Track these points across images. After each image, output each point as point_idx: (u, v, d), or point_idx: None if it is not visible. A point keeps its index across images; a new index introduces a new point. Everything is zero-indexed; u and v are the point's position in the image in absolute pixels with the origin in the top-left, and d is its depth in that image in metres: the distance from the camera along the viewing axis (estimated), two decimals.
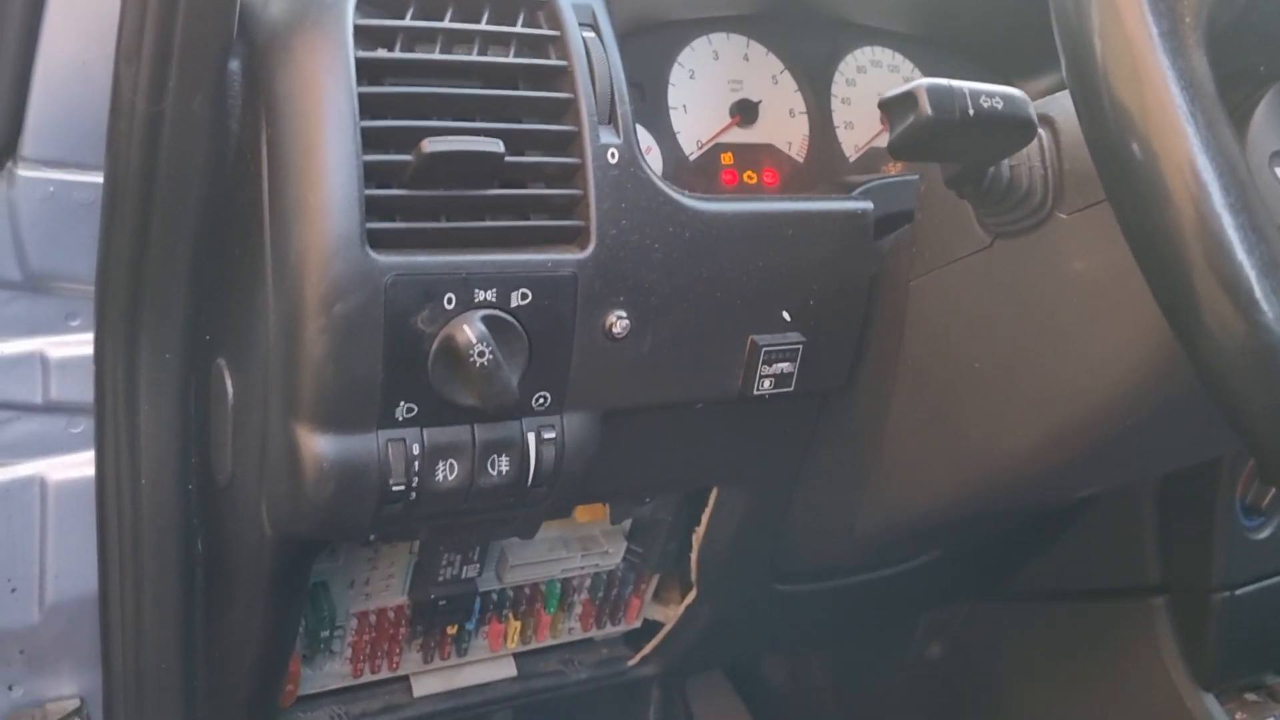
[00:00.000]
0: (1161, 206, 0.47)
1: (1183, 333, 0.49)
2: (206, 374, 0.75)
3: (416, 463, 0.65)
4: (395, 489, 0.65)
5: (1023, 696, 1.26)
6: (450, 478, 0.67)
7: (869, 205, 0.79)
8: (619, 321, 0.70)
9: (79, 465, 0.80)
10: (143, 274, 0.71)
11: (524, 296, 0.66)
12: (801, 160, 0.93)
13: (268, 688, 0.84)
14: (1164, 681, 1.14)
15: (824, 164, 0.93)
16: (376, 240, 0.62)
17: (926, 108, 0.57)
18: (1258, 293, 0.45)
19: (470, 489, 0.68)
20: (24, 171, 0.71)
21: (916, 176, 0.79)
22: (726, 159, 0.90)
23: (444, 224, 0.65)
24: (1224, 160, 0.46)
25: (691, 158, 0.88)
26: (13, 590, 0.82)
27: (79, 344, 0.77)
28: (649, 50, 0.86)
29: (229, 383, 0.71)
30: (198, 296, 0.73)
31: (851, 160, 0.95)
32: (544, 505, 0.73)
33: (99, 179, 0.70)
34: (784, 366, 0.77)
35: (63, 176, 0.72)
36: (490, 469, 0.68)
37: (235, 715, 0.85)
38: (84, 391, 0.77)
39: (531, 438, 0.69)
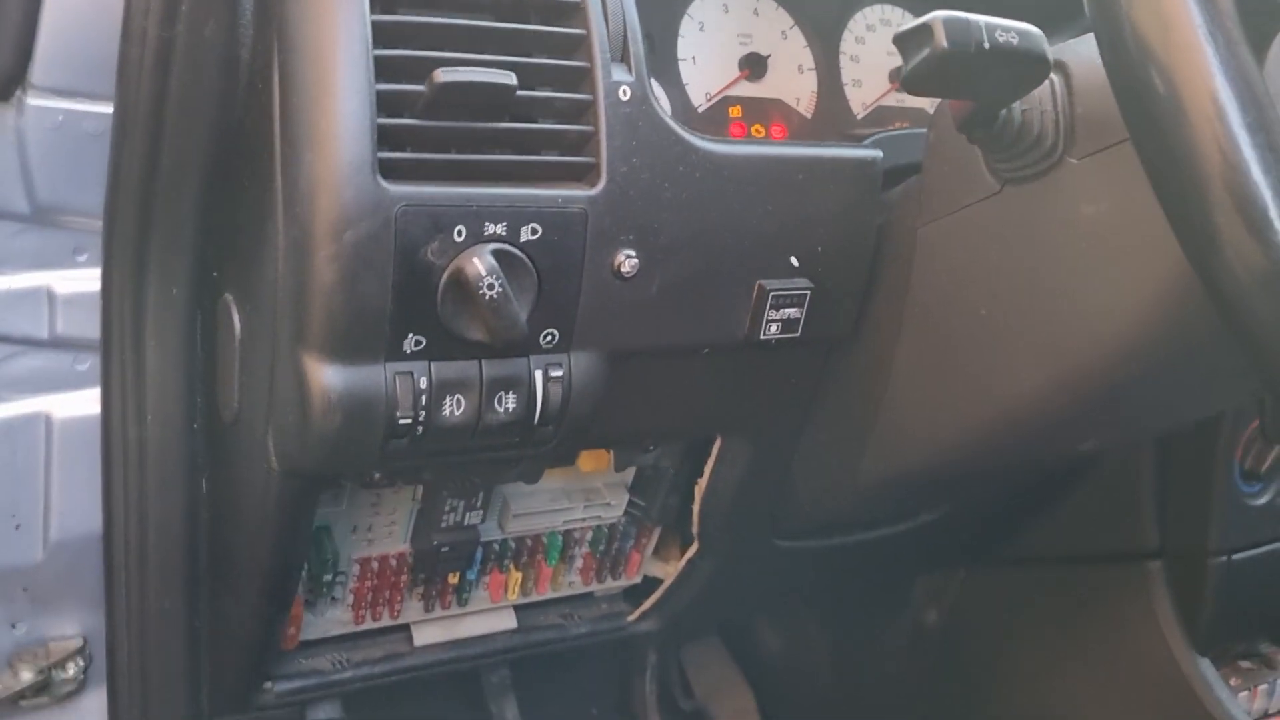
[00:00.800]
0: (1178, 126, 0.47)
1: (1197, 257, 0.49)
2: (213, 311, 0.75)
3: (424, 397, 0.65)
4: (402, 423, 0.65)
5: (1019, 661, 1.27)
6: (457, 413, 0.67)
7: (878, 154, 0.79)
8: (628, 260, 0.70)
9: (84, 402, 0.80)
10: (151, 206, 0.71)
11: (534, 231, 0.66)
12: (809, 116, 0.93)
13: (270, 629, 0.84)
14: (1159, 646, 1.14)
15: (831, 120, 0.93)
16: (387, 170, 0.62)
17: (942, 39, 0.57)
18: (1273, 213, 0.45)
19: (477, 425, 0.68)
20: (33, 100, 0.71)
21: (925, 130, 0.79)
22: (735, 112, 0.90)
23: (455, 156, 0.65)
24: (1243, 81, 0.45)
25: (700, 110, 0.88)
26: (16, 527, 0.82)
27: (86, 279, 0.77)
28: (659, 1, 0.86)
29: (236, 318, 0.71)
30: (206, 231, 0.73)
31: (859, 118, 0.95)
32: (550, 446, 0.73)
33: (108, 109, 0.70)
34: (791, 312, 0.77)
35: (72, 106, 0.72)
36: (497, 405, 0.68)
37: (238, 656, 0.85)
38: (90, 328, 0.77)
39: (539, 375, 0.69)
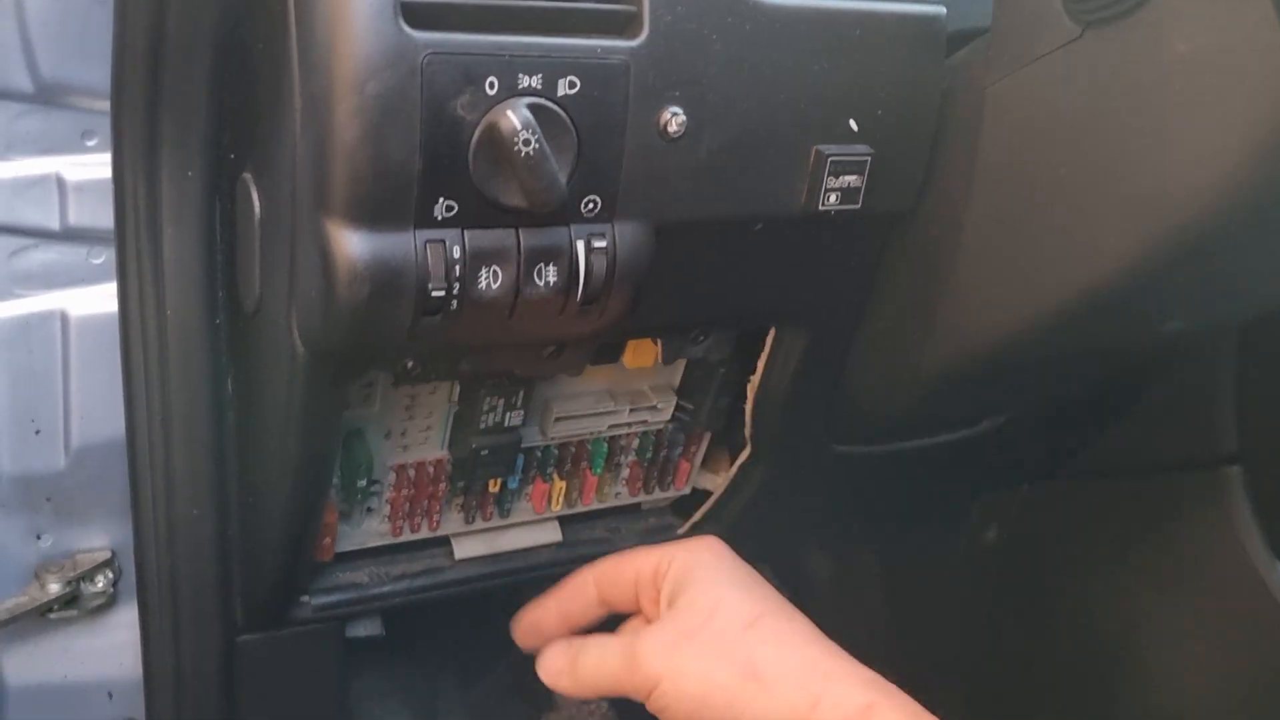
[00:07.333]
0: None
1: None
2: (231, 195, 0.70)
3: (457, 267, 0.60)
4: (435, 295, 0.60)
5: (1085, 578, 1.21)
6: (494, 286, 0.62)
7: (942, 9, 0.73)
8: (674, 119, 0.64)
9: (102, 298, 0.76)
10: (161, 79, 0.66)
11: (572, 85, 0.61)
12: None
13: (303, 537, 0.80)
14: (1238, 555, 1.08)
15: None
16: (411, 15, 0.57)
17: None
18: None
19: (515, 300, 0.63)
20: None
21: None
22: None
23: (485, 1, 0.59)
24: None
25: None
26: (36, 432, 0.78)
27: (97, 165, 0.73)
28: None
29: (255, 196, 0.66)
30: (220, 107, 0.68)
31: None
32: (594, 327, 0.68)
33: None
34: (851, 180, 0.71)
35: None
36: (537, 278, 0.63)
37: (271, 566, 0.81)
38: (104, 217, 0.73)
39: (580, 246, 0.64)
